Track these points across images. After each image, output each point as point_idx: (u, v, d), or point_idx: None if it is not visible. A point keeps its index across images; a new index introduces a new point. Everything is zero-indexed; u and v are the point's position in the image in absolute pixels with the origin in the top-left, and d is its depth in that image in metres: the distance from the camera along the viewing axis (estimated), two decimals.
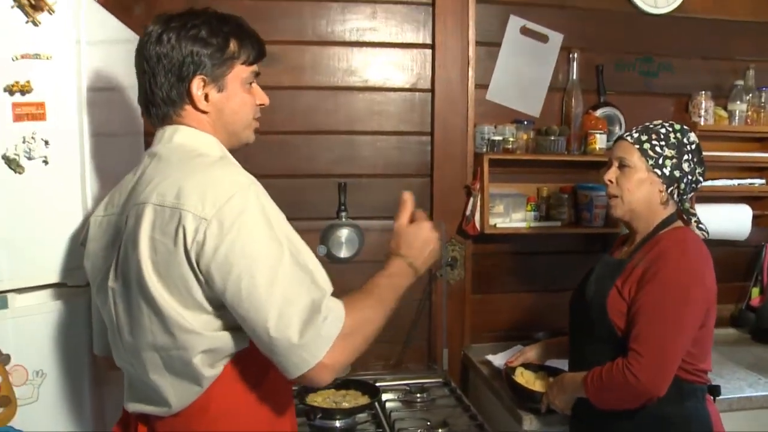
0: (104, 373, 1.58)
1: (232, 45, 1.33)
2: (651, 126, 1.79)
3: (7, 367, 1.53)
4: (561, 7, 2.57)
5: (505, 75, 2.55)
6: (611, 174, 1.81)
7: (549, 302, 2.55)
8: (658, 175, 1.75)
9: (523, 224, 2.51)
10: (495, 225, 2.49)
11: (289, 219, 2.39)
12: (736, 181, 2.67)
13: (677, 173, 1.74)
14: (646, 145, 1.75)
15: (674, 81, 2.70)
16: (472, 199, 2.47)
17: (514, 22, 2.53)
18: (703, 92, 2.62)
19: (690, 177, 1.76)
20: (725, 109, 2.68)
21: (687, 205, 1.83)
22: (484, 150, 2.47)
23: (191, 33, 1.30)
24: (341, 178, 2.47)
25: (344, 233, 2.46)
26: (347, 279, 2.40)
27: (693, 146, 1.77)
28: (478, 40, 2.51)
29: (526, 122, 2.52)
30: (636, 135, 1.79)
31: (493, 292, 2.63)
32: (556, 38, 2.56)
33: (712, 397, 1.82)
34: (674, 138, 1.76)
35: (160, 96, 1.31)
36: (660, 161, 1.74)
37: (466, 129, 2.51)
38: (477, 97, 2.54)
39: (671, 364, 1.64)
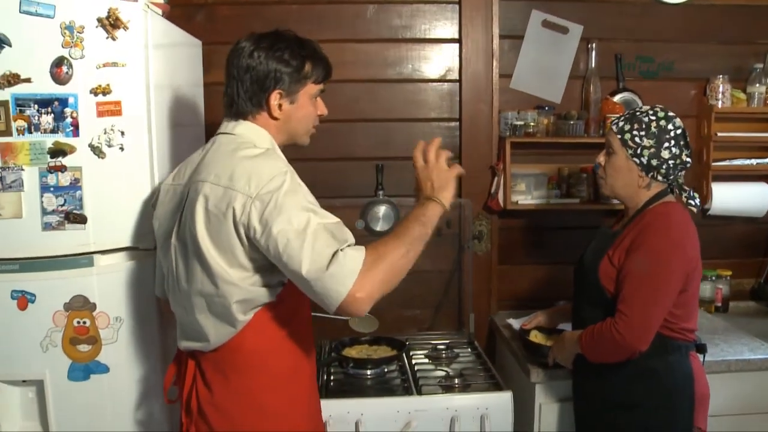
0: (166, 314, 1.91)
1: (307, 67, 1.65)
2: (637, 113, 1.92)
3: (94, 313, 1.91)
4: (581, 0, 2.76)
5: (528, 65, 2.77)
6: (600, 157, 2.00)
7: (570, 273, 2.76)
8: (637, 164, 1.90)
9: (544, 201, 2.74)
10: (517, 202, 2.73)
11: (334, 196, 2.76)
12: (754, 161, 2.79)
13: (655, 162, 1.88)
14: (627, 136, 1.90)
15: (693, 66, 2.83)
16: (496, 179, 2.73)
17: (536, 16, 2.74)
18: (721, 76, 2.75)
19: (672, 162, 1.88)
20: (744, 91, 2.81)
21: (681, 180, 1.98)
22: (507, 134, 2.71)
23: (277, 54, 1.62)
24: (379, 161, 2.77)
25: (381, 209, 2.76)
26: None
27: (677, 132, 1.88)
28: (502, 34, 2.74)
29: (547, 108, 2.73)
30: (621, 124, 1.93)
31: (519, 263, 2.87)
32: (576, 29, 2.76)
33: (700, 355, 1.99)
34: (655, 127, 1.88)
35: (243, 99, 1.64)
36: (638, 151, 1.89)
37: (491, 115, 2.75)
38: (501, 86, 2.77)
39: (652, 323, 1.82)
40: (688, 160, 1.93)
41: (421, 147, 1.72)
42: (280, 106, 1.64)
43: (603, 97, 2.75)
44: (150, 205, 1.85)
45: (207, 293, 1.56)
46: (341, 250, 1.45)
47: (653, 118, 1.90)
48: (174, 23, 2.31)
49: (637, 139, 1.89)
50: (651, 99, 2.78)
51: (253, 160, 1.55)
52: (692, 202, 1.99)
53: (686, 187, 2.00)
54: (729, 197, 2.79)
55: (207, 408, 1.63)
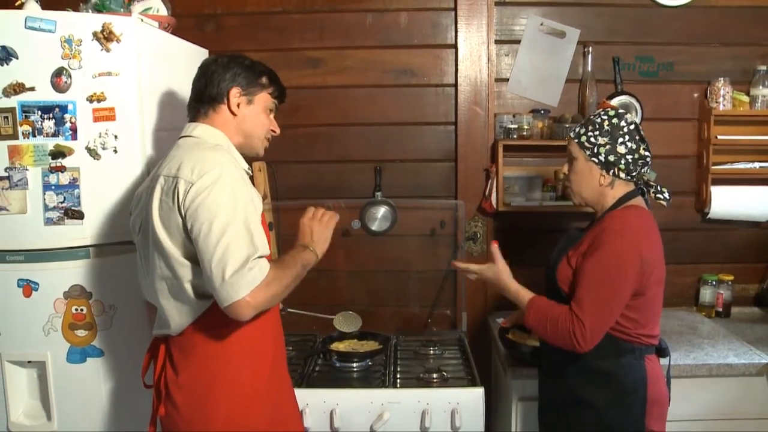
0: (149, 314, 2.06)
1: (264, 78, 1.88)
2: (591, 117, 1.97)
3: (90, 301, 2.09)
4: (578, 5, 2.78)
5: (525, 69, 2.82)
6: (565, 168, 2.04)
7: None
8: (596, 163, 1.93)
9: (537, 203, 2.77)
10: (510, 203, 2.78)
11: (333, 197, 2.87)
12: (757, 164, 2.74)
13: (612, 158, 1.90)
14: (583, 138, 1.94)
15: (695, 68, 2.81)
16: (490, 181, 2.79)
17: (533, 21, 2.79)
18: (722, 78, 2.72)
19: (630, 157, 1.90)
20: (748, 94, 2.76)
21: (646, 177, 1.99)
22: (501, 137, 2.76)
23: (238, 60, 1.86)
24: (377, 163, 2.87)
25: (380, 210, 2.87)
26: (383, 249, 2.84)
27: (630, 127, 1.91)
28: (499, 39, 2.81)
29: (542, 111, 2.77)
30: (577, 129, 1.98)
31: (515, 265, 2.88)
32: (573, 33, 2.78)
33: (663, 359, 2.00)
34: (608, 125, 1.91)
35: (207, 94, 1.83)
36: (595, 150, 1.91)
37: (487, 119, 2.82)
38: (499, 90, 2.84)
39: (603, 327, 1.84)
40: (647, 154, 1.94)
41: (313, 209, 1.93)
42: (238, 104, 1.83)
43: (600, 100, 2.77)
44: (129, 213, 2.00)
45: (166, 277, 1.71)
46: (253, 259, 1.59)
47: (605, 117, 1.94)
48: (185, 33, 2.49)
49: (592, 139, 1.93)
50: (650, 102, 2.79)
51: (202, 153, 1.71)
52: (661, 197, 2.00)
53: (653, 183, 2.00)
54: (730, 201, 2.75)
55: (173, 389, 1.76)
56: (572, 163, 2.00)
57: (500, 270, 2.10)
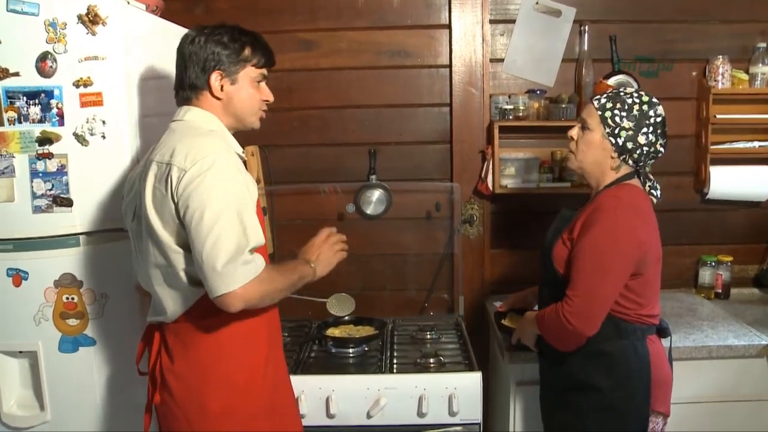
0: (144, 297, 2.05)
1: (246, 50, 1.77)
2: (621, 93, 1.89)
3: (81, 290, 2.06)
4: None
5: (520, 49, 2.77)
6: (573, 131, 1.96)
7: None
8: (611, 144, 1.87)
9: (534, 185, 2.74)
10: (506, 186, 2.74)
11: (328, 181, 2.83)
12: (756, 143, 2.71)
13: (630, 145, 1.85)
14: (608, 114, 1.86)
15: (694, 47, 2.76)
16: (486, 163, 2.75)
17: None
18: (721, 56, 2.67)
19: (646, 149, 1.86)
20: (748, 72, 2.71)
21: (647, 169, 1.95)
22: (497, 118, 2.72)
23: (216, 38, 1.75)
24: (371, 146, 2.83)
25: (374, 194, 2.84)
26: (378, 233, 2.81)
27: (657, 120, 1.86)
28: (493, 18, 2.76)
29: (538, 92, 2.73)
30: (603, 101, 1.89)
31: (511, 247, 2.88)
32: (569, 12, 2.73)
33: (664, 339, 1.99)
34: (638, 110, 1.85)
35: (188, 82, 1.77)
36: (616, 131, 1.85)
37: (482, 100, 2.77)
38: (493, 70, 2.79)
39: (599, 308, 1.80)
40: (662, 150, 1.90)
41: (330, 230, 1.95)
42: (221, 87, 1.75)
43: (597, 79, 2.72)
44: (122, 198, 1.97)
45: (160, 265, 1.68)
46: (248, 253, 1.57)
47: (637, 101, 1.87)
48: (174, 16, 2.43)
49: (617, 119, 1.86)
50: (647, 81, 2.74)
51: (194, 139, 1.67)
52: (654, 192, 1.97)
53: (651, 176, 1.97)
54: (729, 181, 2.72)
55: (168, 376, 1.75)
56: (585, 131, 1.92)
57: (525, 323, 2.11)
